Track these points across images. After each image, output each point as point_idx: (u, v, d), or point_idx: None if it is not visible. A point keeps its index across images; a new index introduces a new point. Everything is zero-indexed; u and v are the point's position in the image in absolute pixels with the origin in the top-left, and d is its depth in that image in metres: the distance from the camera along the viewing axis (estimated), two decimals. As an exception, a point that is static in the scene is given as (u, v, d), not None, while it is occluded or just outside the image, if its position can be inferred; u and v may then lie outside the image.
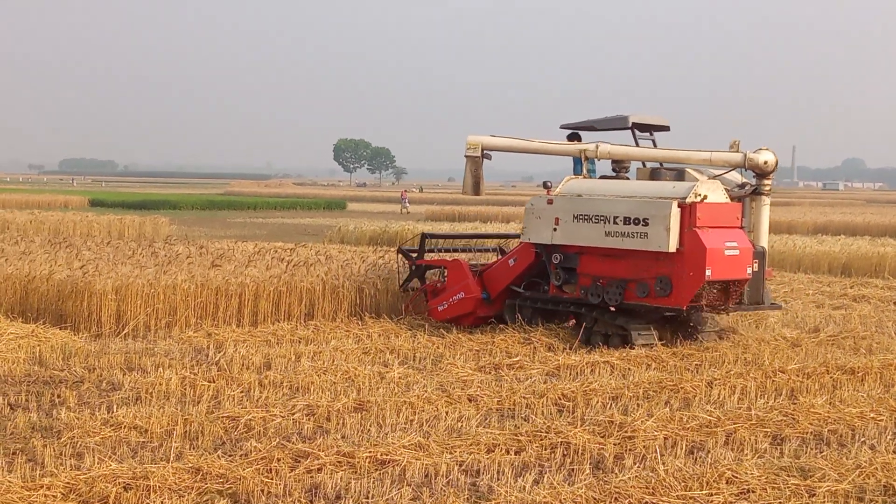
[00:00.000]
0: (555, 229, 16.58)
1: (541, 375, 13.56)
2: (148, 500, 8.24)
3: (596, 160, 17.67)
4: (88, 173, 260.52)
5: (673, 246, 15.25)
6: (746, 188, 16.48)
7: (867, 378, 13.84)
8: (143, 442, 10.03)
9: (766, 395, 12.65)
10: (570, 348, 15.50)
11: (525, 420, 11.17)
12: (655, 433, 10.55)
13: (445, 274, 18.20)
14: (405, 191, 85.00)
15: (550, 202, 16.71)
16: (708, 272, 15.12)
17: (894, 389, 13.25)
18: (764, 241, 16.52)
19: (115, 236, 37.51)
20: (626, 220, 15.68)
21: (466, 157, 17.83)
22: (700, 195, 15.43)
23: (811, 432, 11.11)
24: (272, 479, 8.83)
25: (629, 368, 14.13)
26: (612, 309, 16.12)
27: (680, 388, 12.81)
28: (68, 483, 8.40)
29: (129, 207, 68.51)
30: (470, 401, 11.94)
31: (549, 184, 17.19)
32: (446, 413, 11.30)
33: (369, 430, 10.56)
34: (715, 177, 16.46)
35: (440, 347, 15.39)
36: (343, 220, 49.89)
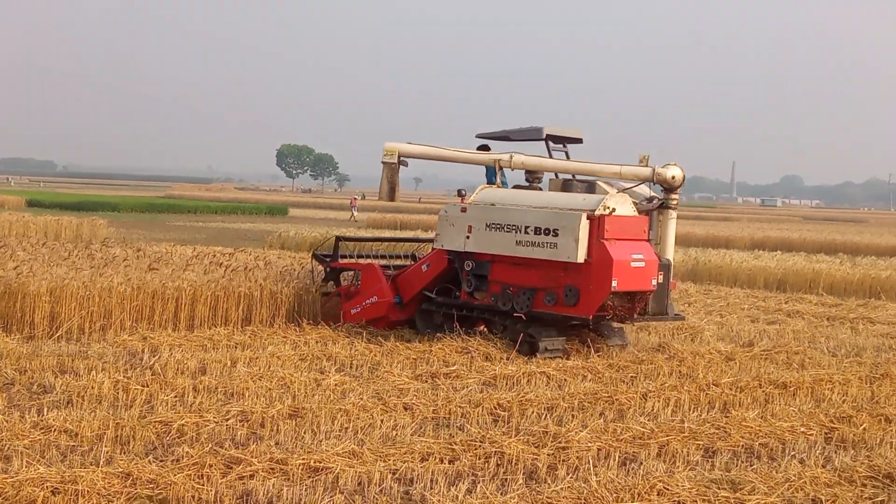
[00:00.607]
0: (467, 237, 16.83)
1: (477, 385, 13.58)
2: (76, 505, 8.14)
3: (506, 171, 17.94)
4: (26, 173, 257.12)
5: (581, 257, 15.59)
6: (654, 202, 16.81)
7: (799, 393, 14.03)
8: (73, 446, 9.90)
9: (699, 408, 12.77)
10: (508, 359, 15.55)
11: (460, 429, 11.18)
12: (589, 444, 10.61)
13: (360, 278, 18.36)
14: (354, 198, 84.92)
15: (464, 210, 16.96)
16: (614, 283, 15.49)
17: (825, 404, 13.43)
18: (670, 253, 16.91)
19: (51, 237, 37.04)
20: (537, 231, 15.97)
21: (383, 163, 18.32)
22: (609, 208, 15.78)
23: (742, 446, 11.23)
24: (203, 485, 8.76)
25: (565, 379, 14.20)
26: (522, 317, 16.39)
27: (615, 399, 12.89)
28: (-5, 486, 8.27)
29: (67, 208, 67.72)
30: (405, 409, 11.93)
31: (463, 192, 17.46)
32: (381, 421, 11.29)
33: (303, 436, 10.51)
34: (624, 190, 16.85)
35: (378, 355, 15.36)
36: (284, 226, 49.69)
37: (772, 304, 25.71)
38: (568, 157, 18.06)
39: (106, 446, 9.82)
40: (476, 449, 10.25)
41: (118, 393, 11.99)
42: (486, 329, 16.95)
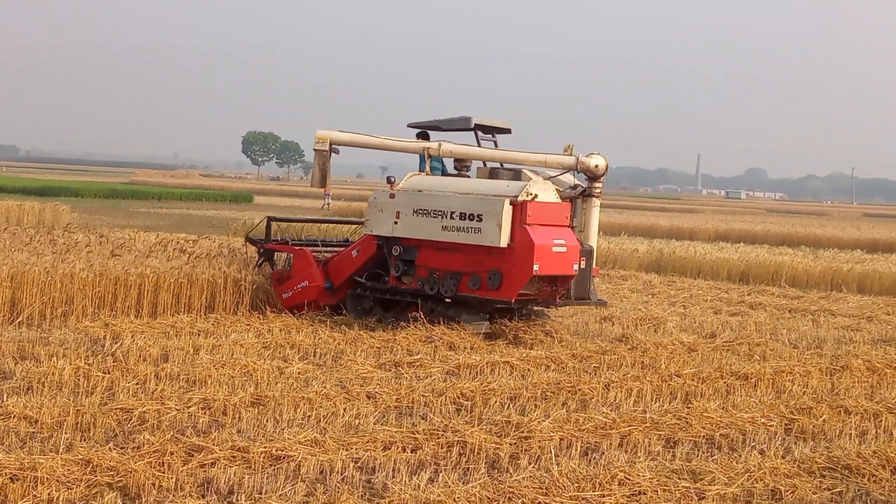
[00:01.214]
0: (395, 222, 17.24)
1: (441, 374, 13.58)
2: (35, 492, 8.08)
3: (443, 159, 18.48)
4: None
5: (504, 241, 16.05)
6: (577, 189, 17.35)
7: (760, 384, 14.12)
8: (33, 432, 9.82)
9: (661, 399, 12.83)
10: (472, 348, 15.57)
11: (423, 418, 11.19)
12: (551, 434, 10.63)
13: (291, 262, 18.59)
14: (328, 188, 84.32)
15: (392, 196, 17.36)
16: (536, 267, 15.96)
17: (785, 396, 13.54)
18: (593, 240, 17.35)
19: (13, 222, 36.67)
20: (462, 216, 16.44)
21: (315, 150, 18.76)
22: (531, 194, 16.26)
23: (703, 436, 11.30)
24: (164, 472, 8.72)
25: (528, 369, 14.23)
26: (448, 300, 16.90)
27: (577, 389, 12.93)
28: (-48, 473, 8.19)
29: (29, 193, 67.06)
30: (368, 398, 11.91)
31: (392, 179, 17.76)
32: (344, 410, 11.27)
33: (265, 425, 10.48)
34: (549, 178, 17.37)
35: (341, 344, 15.34)
36: (249, 213, 49.49)
37: (734, 295, 25.86)
38: (496, 146, 18.55)
39: (66, 433, 9.75)
40: (439, 438, 10.25)
41: (79, 379, 11.91)
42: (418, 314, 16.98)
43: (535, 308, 17.64)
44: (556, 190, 17.08)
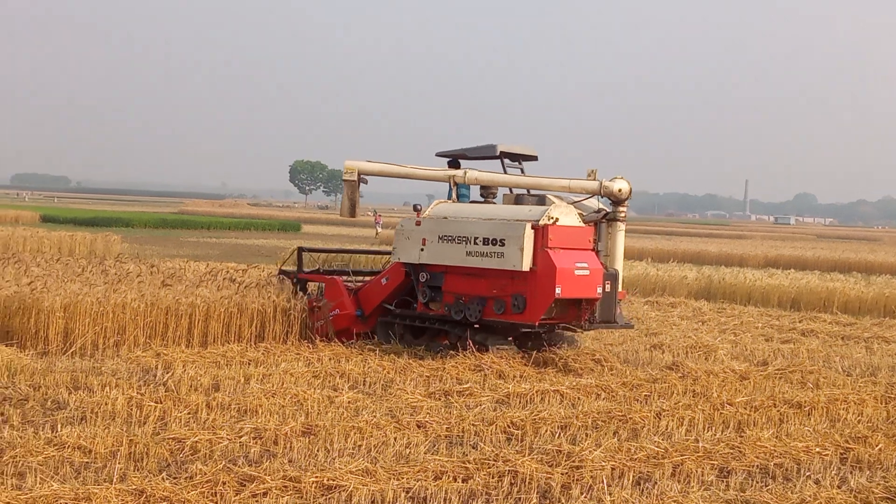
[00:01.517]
0: (422, 249, 17.49)
1: (490, 403, 13.55)
2: (90, 522, 8.14)
3: (469, 186, 18.77)
4: (41, 188, 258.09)
5: (527, 265, 16.24)
6: (601, 213, 17.43)
7: (814, 412, 13.95)
8: (87, 462, 9.90)
9: (713, 428, 12.71)
10: (521, 376, 15.52)
11: (473, 447, 11.15)
12: (603, 463, 10.56)
13: (323, 292, 18.86)
14: (379, 215, 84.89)
15: (418, 224, 17.66)
16: (558, 290, 16.11)
17: (840, 424, 13.36)
18: (618, 263, 17.41)
19: (65, 253, 37.08)
20: (486, 241, 16.66)
21: (344, 180, 18.90)
22: (553, 218, 16.45)
23: (757, 466, 11.17)
24: (217, 502, 8.75)
25: (579, 398, 14.16)
26: (476, 325, 17.07)
27: (629, 418, 12.84)
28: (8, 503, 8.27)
29: (81, 224, 67.93)
30: (419, 427, 11.90)
31: (418, 207, 18.08)
32: (395, 439, 11.26)
33: (317, 454, 10.50)
34: (573, 202, 17.50)
35: (391, 372, 15.34)
36: (297, 242, 49.66)
37: (786, 322, 25.61)
38: (523, 173, 18.76)
39: (119, 463, 9.82)
40: (489, 468, 10.21)
41: (132, 409, 12.00)
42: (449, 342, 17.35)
43: (563, 332, 17.68)
44: (580, 214, 17.20)
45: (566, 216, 16.75)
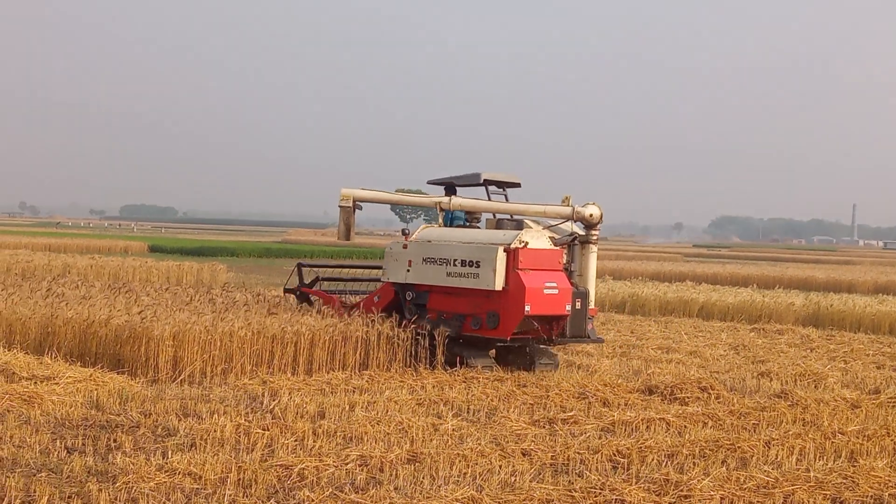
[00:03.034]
0: (408, 270, 18.94)
1: (595, 431, 13.45)
2: (200, 548, 8.24)
3: (459, 212, 20.12)
4: (149, 219, 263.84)
5: (499, 285, 17.63)
6: (572, 237, 18.79)
7: (929, 442, 13.57)
8: (197, 489, 10.05)
9: (824, 457, 12.44)
10: (626, 404, 15.38)
11: (579, 476, 11.07)
12: (712, 493, 10.40)
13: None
14: None
15: (405, 247, 19.10)
16: (527, 308, 17.43)
17: (957, 454, 12.98)
18: (591, 283, 18.92)
19: (173, 282, 37.85)
20: (464, 263, 18.09)
21: (340, 207, 20.31)
22: (523, 242, 17.82)
23: (871, 496, 10.90)
24: (324, 529, 8.80)
25: (685, 426, 13.99)
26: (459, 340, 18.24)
27: (737, 447, 12.65)
28: (122, 528, 8.42)
29: (188, 254, 69.17)
30: (524, 455, 11.86)
31: (406, 231, 19.51)
32: (500, 467, 11.24)
33: (422, 482, 10.51)
34: (549, 227, 19.06)
35: (494, 400, 15.33)
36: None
37: (898, 349, 24.99)
38: (507, 200, 20.05)
39: (229, 489, 9.95)
40: (596, 496, 10.13)
41: (240, 436, 12.16)
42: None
43: (548, 348, 18.92)
44: (551, 237, 18.52)
45: (536, 240, 18.13)
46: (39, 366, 15.81)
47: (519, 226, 19.01)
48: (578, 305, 18.16)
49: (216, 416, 13.07)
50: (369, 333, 18.26)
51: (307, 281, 21.66)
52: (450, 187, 20.25)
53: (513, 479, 10.79)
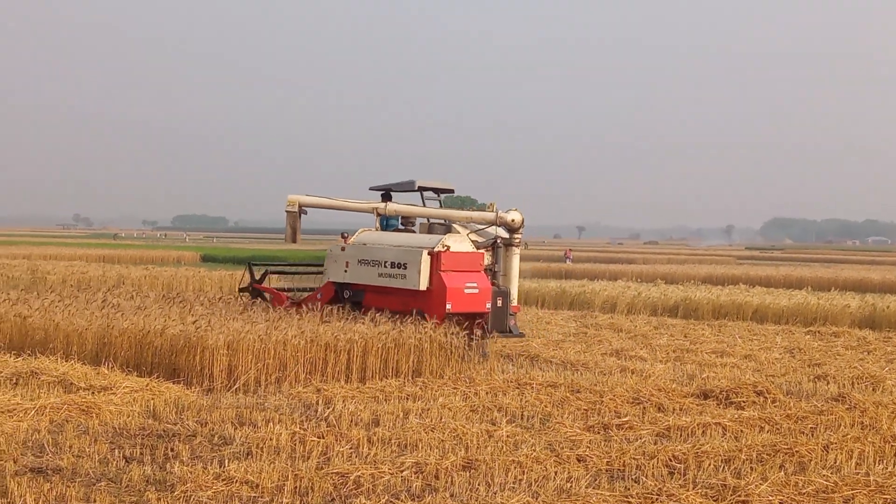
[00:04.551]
0: (345, 270, 20.89)
1: (651, 436, 13.37)
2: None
3: (396, 217, 21.96)
4: (201, 229, 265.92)
5: (423, 285, 19.48)
6: (493, 240, 20.73)
7: None
8: (255, 497, 10.10)
9: (884, 461, 12.28)
10: (681, 409, 15.27)
11: (635, 482, 11.01)
12: (770, 498, 10.31)
13: (272, 303, 22.14)
14: (569, 249, 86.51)
15: (343, 249, 21.04)
16: (449, 306, 19.23)
17: None
18: (514, 283, 20.94)
19: (226, 291, 38.09)
20: (393, 265, 19.93)
21: (286, 212, 21.85)
22: (446, 245, 19.65)
23: (934, 500, 10.75)
24: (381, 536, 8.81)
25: (741, 430, 13.87)
26: None
27: (795, 451, 12.52)
28: (181, 536, 8.48)
29: (240, 263, 69.50)
30: (579, 461, 11.81)
31: (345, 235, 21.49)
32: (555, 473, 11.20)
33: (478, 489, 10.50)
34: (476, 231, 20.93)
35: (548, 406, 15.29)
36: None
37: (957, 351, 24.62)
38: (441, 205, 21.98)
39: (286, 497, 10.00)
40: (653, 502, 10.07)
41: (295, 444, 12.21)
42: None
43: (483, 342, 19.98)
44: (474, 241, 20.38)
45: (458, 244, 19.92)
46: (97, 376, 15.99)
47: (447, 230, 20.81)
48: (500, 303, 19.92)
49: (271, 424, 13.15)
50: (422, 340, 18.28)
51: (258, 277, 23.78)
52: (387, 193, 21.93)
53: (568, 485, 10.75)
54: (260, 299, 22.82)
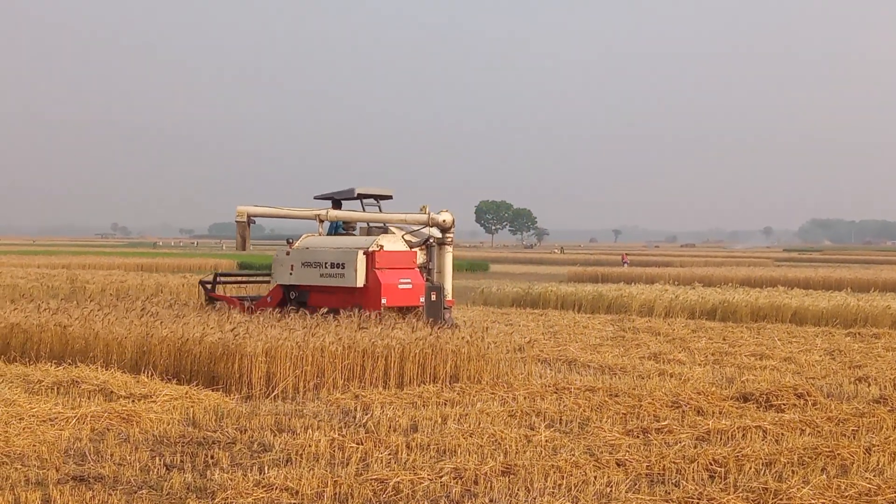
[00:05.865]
0: (290, 273, 22.66)
1: (690, 440, 13.29)
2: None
3: (339, 222, 23.72)
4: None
5: (360, 282, 21.51)
6: (425, 239, 22.65)
7: None
8: (295, 503, 10.13)
9: (928, 463, 12.15)
10: (721, 412, 15.19)
11: (675, 486, 10.95)
12: (812, 501, 10.22)
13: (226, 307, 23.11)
14: (626, 254, 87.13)
15: (288, 253, 22.71)
16: (384, 301, 21.28)
17: None
18: (447, 278, 22.71)
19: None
20: (332, 265, 21.86)
21: (236, 221, 23.30)
22: (380, 245, 21.62)
23: (979, 503, 10.62)
24: (421, 542, 8.80)
25: (782, 434, 13.76)
26: None
27: (836, 454, 12.41)
28: (223, 543, 8.51)
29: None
30: (618, 465, 11.76)
31: (290, 240, 22.91)
32: (595, 478, 11.16)
33: (517, 494, 10.48)
34: (411, 232, 22.73)
35: (586, 410, 15.24)
36: (486, 282, 49.96)
37: None
38: (380, 210, 23.49)
39: (326, 504, 10.01)
40: (694, 506, 10.00)
41: (334, 451, 12.24)
42: None
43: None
44: (408, 241, 22.31)
45: (392, 243, 21.94)
46: (136, 384, 16.10)
47: (384, 232, 22.60)
48: (433, 298, 21.47)
49: (310, 430, 13.18)
50: (459, 346, 18.27)
51: (214, 283, 25.75)
52: (338, 201, 23.57)
53: (608, 489, 10.71)
54: (210, 305, 24.19)
